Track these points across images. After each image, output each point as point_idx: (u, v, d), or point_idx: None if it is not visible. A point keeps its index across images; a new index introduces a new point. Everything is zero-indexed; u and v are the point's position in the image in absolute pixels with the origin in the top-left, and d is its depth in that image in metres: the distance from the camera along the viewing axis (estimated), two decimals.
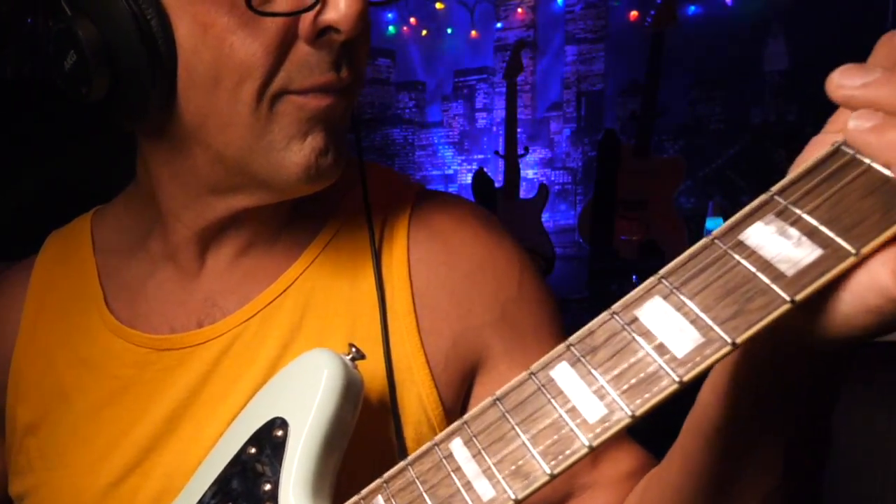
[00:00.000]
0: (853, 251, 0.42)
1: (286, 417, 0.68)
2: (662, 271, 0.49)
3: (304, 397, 0.67)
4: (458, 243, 0.82)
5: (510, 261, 0.83)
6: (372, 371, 0.75)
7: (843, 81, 0.43)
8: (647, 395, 0.46)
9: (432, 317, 0.79)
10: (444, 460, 0.55)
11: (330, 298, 0.79)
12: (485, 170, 5.44)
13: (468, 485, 0.53)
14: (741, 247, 0.46)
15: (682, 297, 0.47)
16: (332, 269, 0.81)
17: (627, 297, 0.49)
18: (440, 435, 0.56)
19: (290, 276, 0.80)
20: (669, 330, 0.47)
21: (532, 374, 0.53)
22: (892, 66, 0.44)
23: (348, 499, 0.60)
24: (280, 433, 0.67)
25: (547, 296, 0.85)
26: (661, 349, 0.47)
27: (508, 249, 0.84)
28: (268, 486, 0.66)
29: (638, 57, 4.87)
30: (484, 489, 0.52)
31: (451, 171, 6.60)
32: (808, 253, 0.43)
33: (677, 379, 0.45)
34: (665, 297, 0.48)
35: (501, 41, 6.27)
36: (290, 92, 0.68)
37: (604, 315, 0.50)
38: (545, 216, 5.36)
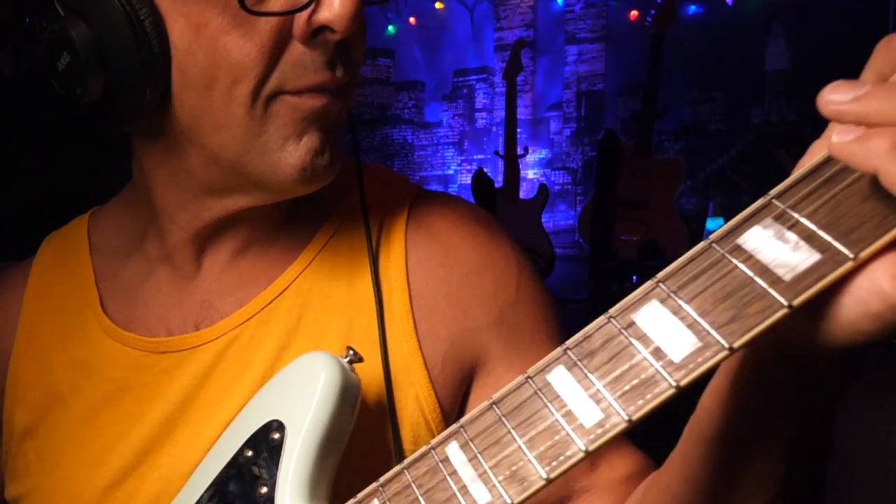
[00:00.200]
0: (851, 256, 0.42)
1: (283, 420, 0.67)
2: (660, 275, 0.48)
3: (302, 400, 0.67)
4: (457, 245, 0.82)
5: (508, 262, 0.83)
6: (369, 373, 0.74)
7: (832, 97, 0.43)
8: (643, 400, 0.46)
9: (430, 318, 0.79)
10: (440, 464, 0.55)
11: (327, 300, 0.79)
12: (484, 170, 5.44)
13: (464, 489, 0.53)
14: (739, 251, 0.46)
15: (679, 302, 0.47)
16: (330, 270, 0.80)
17: (624, 300, 0.49)
18: (436, 438, 0.56)
19: (287, 277, 0.80)
20: (666, 334, 0.46)
21: (529, 377, 0.52)
22: (888, 72, 0.44)
23: (344, 502, 0.60)
24: (277, 436, 0.67)
25: (545, 297, 0.85)
26: (657, 353, 0.46)
27: (507, 251, 0.84)
28: (264, 489, 0.66)
29: (638, 57, 4.88)
30: (480, 493, 0.52)
31: (450, 172, 6.61)
32: (805, 257, 0.43)
33: (674, 383, 0.45)
34: (662, 301, 0.47)
35: (501, 41, 6.27)
36: (285, 92, 0.68)
37: (601, 319, 0.50)
38: (545, 216, 5.36)
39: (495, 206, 5.21)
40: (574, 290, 4.62)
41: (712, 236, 0.47)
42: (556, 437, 0.49)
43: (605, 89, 5.76)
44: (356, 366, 0.70)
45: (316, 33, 0.66)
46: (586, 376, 0.49)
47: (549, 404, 0.50)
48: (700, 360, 0.45)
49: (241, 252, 0.82)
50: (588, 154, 5.82)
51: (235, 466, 0.69)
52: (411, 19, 6.49)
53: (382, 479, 0.59)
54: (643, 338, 0.47)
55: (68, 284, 0.88)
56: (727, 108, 5.12)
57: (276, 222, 0.82)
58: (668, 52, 4.66)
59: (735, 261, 0.46)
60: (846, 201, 0.43)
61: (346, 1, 0.64)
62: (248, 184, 0.73)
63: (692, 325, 0.46)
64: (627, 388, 0.47)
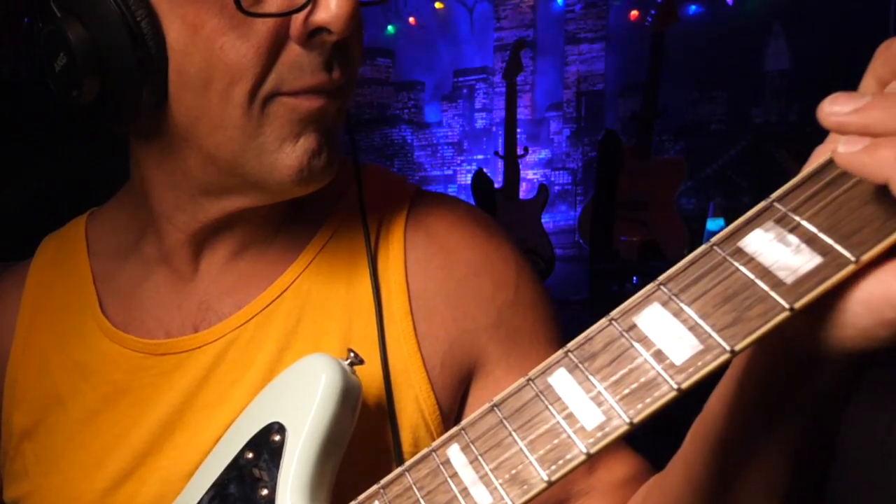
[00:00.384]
0: (853, 259, 0.42)
1: (284, 422, 0.67)
2: (661, 278, 0.48)
3: (302, 402, 0.67)
4: (456, 246, 0.82)
5: (507, 264, 0.83)
6: (368, 374, 0.74)
7: (833, 108, 0.43)
8: (645, 403, 0.46)
9: (429, 320, 0.79)
10: (441, 466, 0.55)
11: (326, 301, 0.79)
12: (484, 170, 5.44)
13: (465, 491, 0.53)
14: (740, 253, 0.46)
15: (680, 304, 0.47)
16: (329, 271, 0.80)
17: (626, 303, 0.49)
18: (437, 441, 0.56)
19: (287, 279, 0.80)
20: (668, 337, 0.46)
21: (530, 379, 0.52)
22: (888, 78, 0.44)
23: None
24: (277, 438, 0.67)
25: (544, 299, 0.85)
26: (659, 356, 0.46)
27: (506, 252, 0.84)
28: (265, 491, 0.66)
29: (638, 57, 4.87)
30: (481, 495, 0.52)
31: (450, 172, 6.60)
32: (807, 260, 0.43)
33: (675, 386, 0.45)
34: (664, 304, 0.47)
35: (501, 41, 6.27)
36: (282, 93, 0.68)
37: (602, 321, 0.50)
38: (545, 217, 5.35)
39: (495, 206, 5.20)
40: (574, 290, 4.62)
41: (713, 239, 0.47)
42: (558, 440, 0.49)
43: (605, 89, 5.75)
44: (356, 368, 0.70)
45: (313, 34, 0.66)
46: (588, 379, 0.49)
47: (550, 406, 0.50)
48: (701, 362, 0.45)
49: (239, 253, 0.82)
50: (588, 154, 5.81)
51: (236, 468, 0.69)
52: (411, 19, 6.48)
53: (383, 481, 0.59)
54: (644, 340, 0.47)
55: (66, 286, 0.87)
56: (727, 109, 5.11)
57: (274, 223, 0.82)
58: (668, 51, 4.66)
59: (736, 263, 0.46)
60: (847, 204, 0.43)
61: (343, 2, 0.64)
62: (246, 185, 0.73)
63: (693, 328, 0.46)
64: (629, 390, 0.47)
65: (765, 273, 0.44)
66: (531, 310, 0.83)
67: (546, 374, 0.52)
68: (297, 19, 0.65)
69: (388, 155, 6.64)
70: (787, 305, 0.43)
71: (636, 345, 0.48)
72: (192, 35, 0.65)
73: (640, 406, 0.46)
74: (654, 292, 0.48)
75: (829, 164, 0.45)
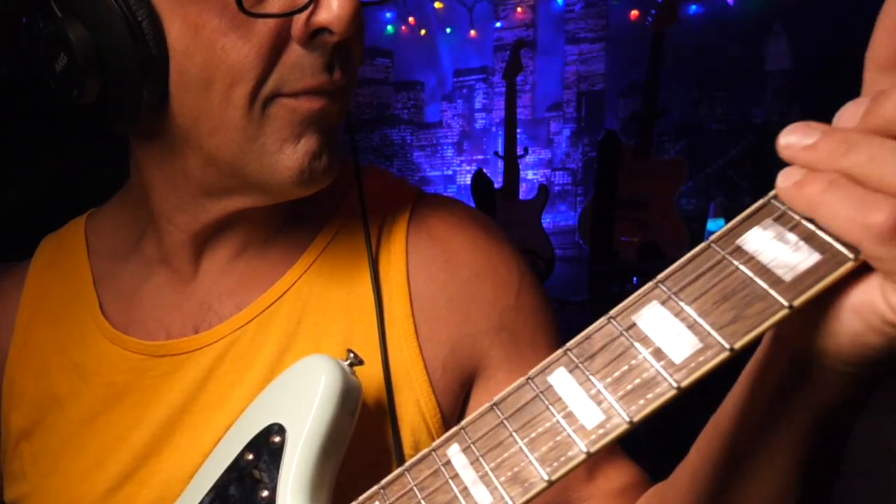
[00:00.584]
0: (851, 256, 0.42)
1: (284, 423, 0.67)
2: (660, 276, 0.48)
3: (302, 403, 0.67)
4: (458, 249, 0.81)
5: (509, 268, 0.83)
6: (369, 377, 0.74)
7: (788, 140, 0.45)
8: (644, 401, 0.46)
9: (431, 323, 0.79)
10: (441, 466, 0.55)
11: (327, 303, 0.79)
12: (484, 170, 5.44)
13: (465, 491, 0.53)
14: (739, 252, 0.46)
15: (679, 303, 0.47)
16: (330, 273, 0.80)
17: (625, 302, 0.49)
18: (438, 441, 0.56)
19: (287, 280, 0.80)
20: (667, 335, 0.46)
21: (529, 379, 0.52)
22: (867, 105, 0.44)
23: None
24: (277, 439, 0.67)
25: (545, 304, 0.85)
26: (658, 354, 0.46)
27: (508, 256, 0.84)
28: (265, 493, 0.66)
29: (639, 57, 4.87)
30: (481, 495, 0.52)
31: (450, 172, 6.60)
32: (805, 257, 0.43)
33: (675, 384, 0.45)
34: (663, 303, 0.48)
35: (501, 41, 6.27)
36: (283, 95, 0.67)
37: (601, 320, 0.50)
38: (545, 217, 5.36)
39: (495, 206, 5.20)
40: (574, 291, 4.62)
41: (712, 237, 0.47)
42: (558, 439, 0.49)
43: (606, 89, 5.76)
44: (356, 368, 0.70)
45: (314, 35, 0.66)
46: (587, 378, 0.49)
47: (550, 406, 0.50)
48: (701, 360, 0.45)
49: (240, 253, 0.82)
50: (588, 154, 5.82)
51: (236, 470, 0.69)
52: (410, 19, 6.49)
53: (384, 481, 0.59)
54: (644, 339, 0.47)
55: (66, 287, 0.87)
56: (728, 109, 5.12)
57: (275, 224, 0.82)
58: (668, 51, 4.66)
59: (735, 262, 0.46)
60: None
61: (344, 2, 0.64)
62: (247, 185, 0.73)
63: (693, 326, 0.46)
64: (628, 389, 0.47)
65: (763, 271, 0.44)
66: (532, 314, 0.82)
67: (545, 373, 0.52)
68: (299, 20, 0.65)
69: (388, 155, 6.65)
70: (786, 303, 0.43)
71: (635, 343, 0.48)
72: (194, 35, 0.65)
73: (639, 404, 0.46)
74: (652, 290, 0.48)
75: None
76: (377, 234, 0.81)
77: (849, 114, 0.44)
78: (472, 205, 5.27)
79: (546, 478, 0.49)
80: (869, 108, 0.43)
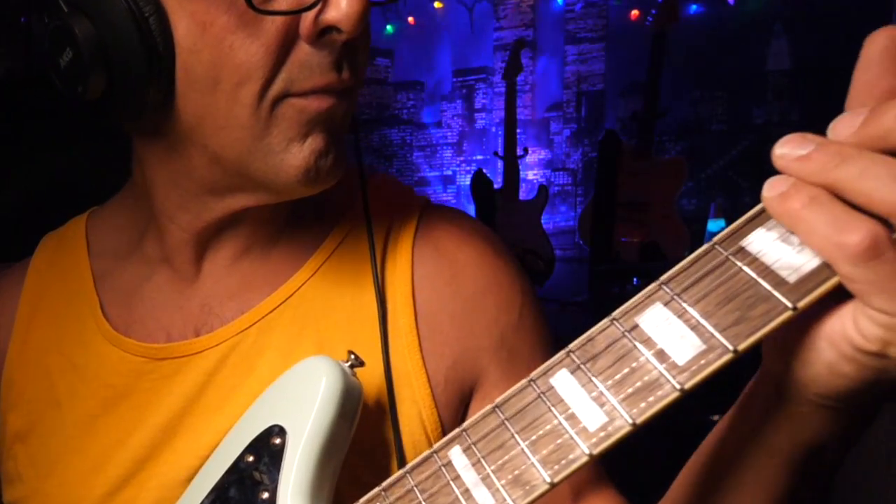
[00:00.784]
0: None
1: (284, 425, 0.67)
2: (663, 277, 0.48)
3: (303, 405, 0.66)
4: (464, 263, 0.81)
5: (513, 286, 0.83)
6: (372, 386, 0.74)
7: (783, 151, 0.45)
8: (647, 403, 0.46)
9: (434, 336, 0.78)
10: (442, 468, 0.55)
11: (331, 311, 0.78)
12: (484, 171, 5.44)
13: (467, 493, 0.52)
14: (743, 253, 0.46)
15: (682, 304, 0.47)
16: (334, 280, 0.80)
17: (628, 303, 0.49)
18: (439, 443, 0.56)
19: (291, 286, 0.79)
20: (670, 337, 0.46)
21: (532, 381, 0.52)
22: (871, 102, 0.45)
23: None
24: (278, 441, 0.67)
25: (544, 323, 0.85)
26: (661, 356, 0.46)
27: (513, 274, 0.84)
28: (266, 495, 0.66)
29: (639, 56, 4.87)
30: (483, 498, 0.52)
31: (449, 173, 6.60)
32: (810, 259, 0.43)
33: (678, 386, 0.45)
34: (666, 304, 0.47)
35: (500, 41, 6.27)
36: (291, 94, 0.67)
37: (604, 322, 0.50)
38: (545, 218, 5.36)
39: (495, 207, 5.20)
40: (574, 291, 4.62)
41: (715, 238, 0.47)
42: (560, 441, 0.49)
43: (606, 89, 5.75)
44: (360, 378, 0.70)
45: (322, 34, 0.66)
46: (590, 379, 0.49)
47: (552, 408, 0.50)
48: (704, 362, 0.45)
49: (243, 255, 0.81)
50: (588, 155, 5.81)
51: (236, 472, 0.69)
52: (410, 19, 6.49)
53: (385, 483, 0.59)
54: (647, 341, 0.47)
55: (66, 286, 0.87)
56: (729, 109, 5.12)
57: (278, 225, 0.82)
58: (669, 51, 4.66)
59: (739, 263, 0.46)
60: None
61: (353, 1, 0.64)
62: (251, 184, 0.72)
63: (696, 328, 0.46)
64: (631, 391, 0.47)
65: (767, 272, 0.44)
66: (531, 334, 0.82)
67: (548, 374, 0.51)
68: (307, 18, 0.65)
69: (387, 155, 6.64)
70: (790, 305, 0.43)
71: (638, 345, 0.47)
72: (201, 33, 0.65)
73: (642, 406, 0.46)
74: (655, 292, 0.48)
75: None
76: (383, 244, 0.81)
77: (844, 124, 0.44)
78: (472, 205, 5.28)
79: (548, 480, 0.49)
80: (868, 118, 0.43)
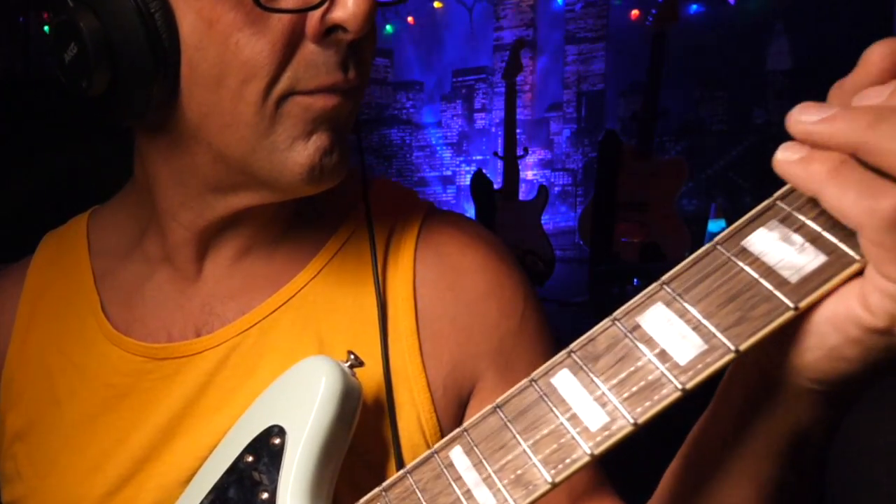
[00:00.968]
0: (857, 257, 0.42)
1: (284, 425, 0.67)
2: (664, 277, 0.48)
3: (302, 405, 0.66)
4: (467, 269, 0.81)
5: (516, 292, 0.82)
6: (371, 388, 0.73)
7: (801, 117, 0.45)
8: (649, 403, 0.46)
9: (434, 340, 0.78)
10: (444, 469, 0.55)
11: (332, 313, 0.78)
12: (483, 171, 5.44)
13: (468, 493, 0.52)
14: (744, 253, 0.46)
15: (684, 304, 0.47)
16: (336, 282, 0.80)
17: (629, 303, 0.49)
18: (440, 443, 0.56)
19: (293, 287, 0.79)
20: (672, 337, 0.46)
21: (533, 381, 0.52)
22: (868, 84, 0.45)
23: None
24: (277, 441, 0.66)
25: (546, 332, 0.84)
26: (663, 356, 0.46)
27: (515, 280, 0.83)
28: (265, 495, 0.66)
29: (639, 56, 4.87)
30: (484, 498, 0.51)
31: (449, 173, 6.61)
32: (811, 259, 0.43)
33: (680, 386, 0.45)
34: (667, 304, 0.47)
35: (500, 41, 6.27)
36: (297, 93, 0.67)
37: (605, 322, 0.50)
38: (545, 218, 5.36)
39: (494, 207, 5.20)
40: (574, 292, 4.62)
41: (717, 238, 0.47)
42: (562, 441, 0.49)
43: (606, 89, 5.76)
44: (358, 380, 0.70)
45: (328, 32, 0.66)
46: (591, 380, 0.49)
47: (553, 408, 0.50)
48: (706, 362, 0.45)
49: (244, 255, 0.81)
50: (588, 155, 5.82)
51: (236, 472, 0.68)
52: (409, 18, 6.49)
53: (385, 483, 0.59)
54: (648, 340, 0.47)
55: (66, 285, 0.87)
56: (729, 109, 5.12)
57: (281, 226, 0.82)
58: (669, 51, 4.66)
59: (740, 263, 0.46)
60: None
61: (359, 0, 0.64)
62: (255, 182, 0.72)
63: (697, 328, 0.46)
64: (633, 390, 0.47)
65: (769, 272, 0.44)
66: (532, 341, 0.82)
67: (549, 374, 0.51)
68: (314, 17, 0.65)
69: (386, 156, 6.65)
70: (791, 305, 0.43)
71: (640, 345, 0.47)
72: (207, 30, 0.65)
73: (645, 405, 0.46)
74: (657, 292, 0.48)
75: None
76: (385, 246, 0.81)
77: (872, 94, 0.43)
78: (472, 205, 5.28)
79: (550, 480, 0.49)
80: None
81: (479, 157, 6.44)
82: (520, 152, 5.58)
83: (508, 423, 0.52)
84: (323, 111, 0.68)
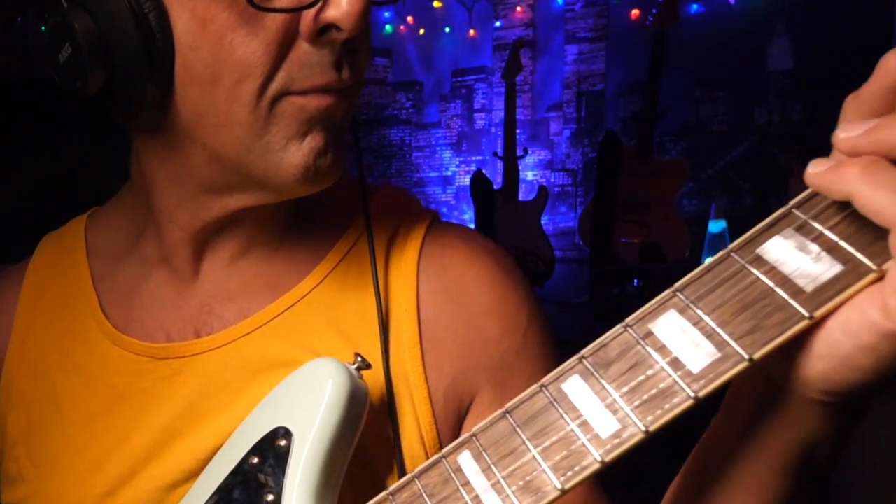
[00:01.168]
0: (874, 267, 0.42)
1: (290, 427, 0.67)
2: (678, 284, 0.48)
3: (309, 407, 0.66)
4: (470, 282, 0.80)
5: (520, 309, 0.81)
6: (374, 398, 0.73)
7: (843, 135, 0.45)
8: (661, 411, 0.46)
9: (436, 351, 0.78)
10: (452, 474, 0.55)
11: (335, 321, 0.78)
12: (483, 171, 5.43)
13: (477, 499, 0.52)
14: (759, 261, 0.46)
15: (698, 312, 0.46)
16: (339, 290, 0.79)
17: (641, 310, 0.49)
18: (448, 448, 0.56)
19: (296, 294, 0.79)
20: (685, 344, 0.46)
21: (543, 386, 0.52)
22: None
23: None
24: (283, 443, 0.66)
25: (548, 350, 0.83)
26: (675, 364, 0.46)
27: (520, 296, 0.82)
28: (270, 497, 0.66)
29: (639, 56, 4.87)
30: (493, 503, 0.51)
31: (448, 173, 6.60)
32: (827, 268, 0.43)
33: (692, 394, 0.45)
34: (681, 312, 0.47)
35: (500, 40, 6.26)
36: (291, 93, 0.67)
37: (617, 328, 0.50)
38: (545, 218, 5.35)
39: (494, 208, 5.20)
40: (574, 292, 4.62)
41: (731, 246, 0.47)
42: (572, 448, 0.49)
43: (606, 89, 5.75)
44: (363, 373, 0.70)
45: (322, 32, 0.66)
46: (603, 386, 0.49)
47: (564, 414, 0.50)
48: (719, 370, 0.45)
49: (243, 255, 0.81)
50: (588, 155, 5.81)
51: (241, 473, 0.68)
52: (409, 18, 6.48)
53: (392, 487, 0.58)
54: (661, 348, 0.47)
55: (65, 287, 0.87)
56: (730, 109, 5.11)
57: (279, 225, 0.81)
58: (669, 51, 4.65)
59: (755, 271, 0.45)
60: None
61: (353, 0, 0.64)
62: (250, 182, 0.72)
63: (711, 336, 0.46)
64: (645, 398, 0.47)
65: (784, 281, 0.44)
66: (533, 359, 0.81)
67: (559, 380, 0.51)
68: (308, 16, 0.65)
69: (386, 156, 6.64)
70: (806, 314, 0.43)
71: (652, 352, 0.47)
72: (201, 30, 0.65)
73: (656, 413, 0.46)
74: (670, 299, 0.48)
75: None
76: (387, 255, 0.80)
77: None
78: (472, 206, 5.28)
79: (559, 486, 0.48)
80: None
81: (478, 158, 6.43)
82: (519, 152, 5.57)
83: (518, 429, 0.52)
84: (317, 111, 0.68)
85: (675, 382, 0.46)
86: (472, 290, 0.80)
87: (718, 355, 0.45)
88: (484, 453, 0.53)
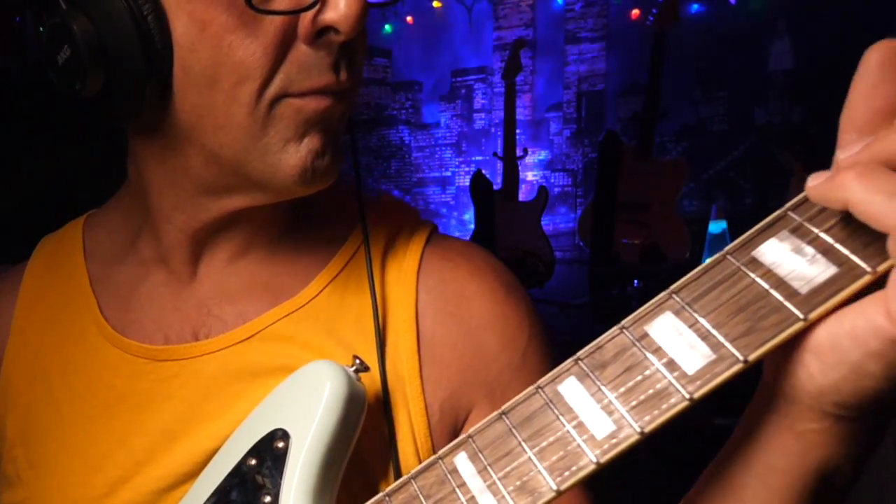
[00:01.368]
0: (869, 269, 0.42)
1: (287, 429, 0.67)
2: (673, 287, 0.48)
3: (307, 408, 0.66)
4: (470, 296, 0.80)
5: (520, 326, 0.81)
6: (369, 407, 0.73)
7: (844, 154, 0.45)
8: (656, 412, 0.46)
9: (435, 364, 0.77)
10: (448, 475, 0.55)
11: (334, 330, 0.77)
12: (483, 171, 5.44)
13: (473, 500, 0.52)
14: (755, 263, 0.46)
15: (693, 313, 0.47)
16: (339, 300, 0.79)
17: (637, 312, 0.49)
18: (444, 449, 0.56)
19: (297, 301, 0.79)
20: (680, 346, 0.46)
21: (539, 388, 0.52)
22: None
23: None
24: (281, 445, 0.66)
25: (548, 368, 0.83)
26: (671, 365, 0.46)
27: (521, 313, 0.82)
28: (268, 498, 0.65)
29: (640, 56, 4.88)
30: None
31: (448, 173, 6.60)
32: (822, 271, 0.43)
33: (687, 396, 0.45)
34: (676, 313, 0.47)
35: (500, 40, 6.27)
36: (289, 95, 0.67)
37: (613, 330, 0.50)
38: (545, 219, 5.36)
39: (494, 208, 5.20)
40: (574, 293, 4.62)
41: (727, 248, 0.47)
42: (567, 449, 0.49)
43: (606, 89, 5.76)
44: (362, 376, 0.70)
45: (320, 34, 0.66)
46: (598, 388, 0.49)
47: (560, 416, 0.50)
48: (714, 372, 0.45)
49: (240, 257, 0.81)
50: (588, 155, 5.82)
51: (238, 475, 0.68)
52: (409, 18, 6.49)
53: (389, 489, 0.58)
54: (657, 350, 0.47)
55: (63, 289, 0.87)
56: (730, 109, 5.12)
57: (277, 226, 0.81)
58: (670, 51, 4.66)
59: (751, 273, 0.46)
60: None
61: (351, 2, 0.64)
62: (248, 184, 0.72)
63: (706, 338, 0.46)
64: (640, 399, 0.47)
65: (779, 283, 0.44)
66: (533, 377, 0.80)
67: (556, 382, 0.51)
68: (306, 18, 0.65)
69: (386, 156, 6.65)
70: (801, 316, 0.43)
71: (648, 354, 0.47)
72: (200, 32, 0.65)
73: (652, 415, 0.46)
74: (666, 301, 0.48)
75: None
76: (384, 267, 0.80)
77: None
78: (471, 206, 5.28)
79: (555, 487, 0.48)
80: None
81: (478, 158, 6.43)
82: (519, 153, 5.58)
83: (514, 430, 0.52)
84: (315, 113, 0.68)
85: (671, 384, 0.46)
86: (472, 305, 0.80)
87: (713, 357, 0.45)
88: (480, 454, 0.53)
